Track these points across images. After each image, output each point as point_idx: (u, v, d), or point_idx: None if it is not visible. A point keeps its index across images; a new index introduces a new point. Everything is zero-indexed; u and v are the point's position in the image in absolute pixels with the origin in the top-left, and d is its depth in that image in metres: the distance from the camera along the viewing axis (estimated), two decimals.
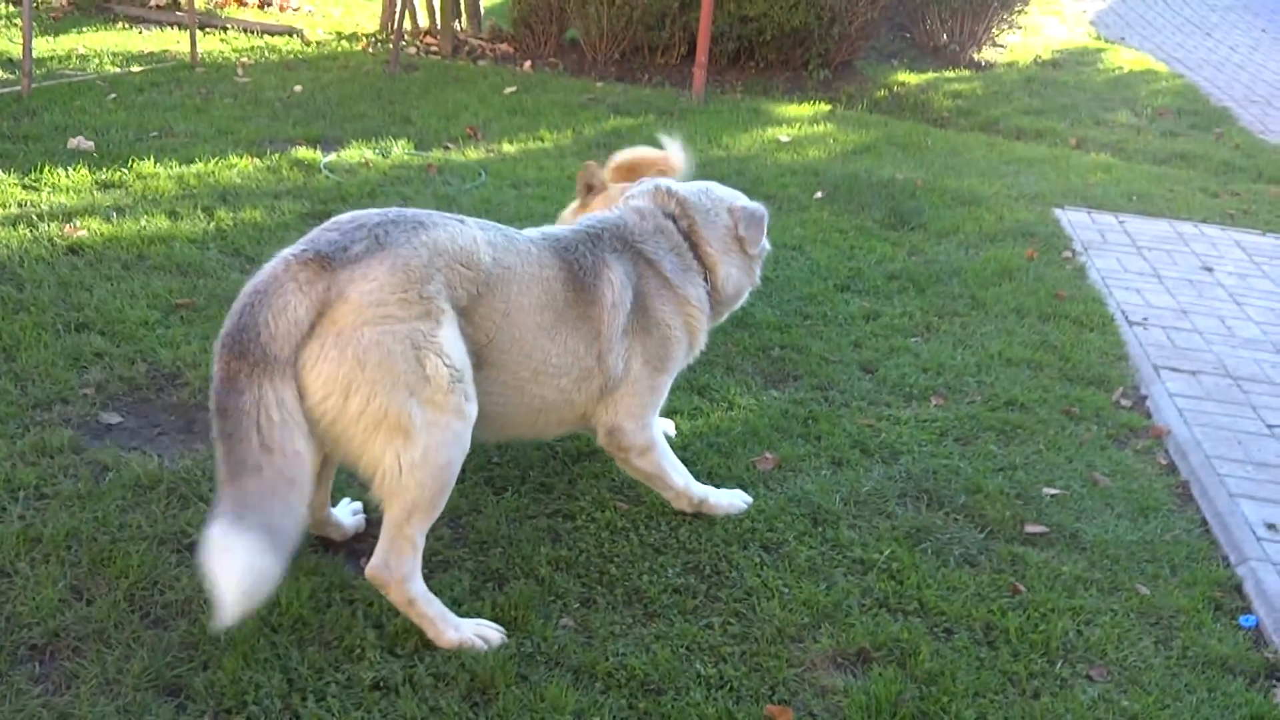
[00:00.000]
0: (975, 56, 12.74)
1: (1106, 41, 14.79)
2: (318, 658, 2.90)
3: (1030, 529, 3.81)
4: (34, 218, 5.39)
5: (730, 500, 3.71)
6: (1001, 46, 13.34)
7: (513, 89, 9.40)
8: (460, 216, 3.10)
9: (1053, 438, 4.44)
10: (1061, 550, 3.73)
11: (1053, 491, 4.05)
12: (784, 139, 8.69)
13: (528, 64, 10.69)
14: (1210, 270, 6.67)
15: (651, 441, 3.49)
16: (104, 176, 6.12)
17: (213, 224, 5.62)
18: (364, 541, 3.39)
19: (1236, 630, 3.42)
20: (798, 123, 9.31)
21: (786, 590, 3.36)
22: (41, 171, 6.02)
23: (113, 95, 7.90)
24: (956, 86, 11.62)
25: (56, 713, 2.65)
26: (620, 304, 3.30)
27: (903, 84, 11.45)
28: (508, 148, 7.71)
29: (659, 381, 3.48)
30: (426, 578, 3.19)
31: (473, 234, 3.04)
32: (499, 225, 3.21)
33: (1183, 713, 3.04)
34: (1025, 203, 7.60)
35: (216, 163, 6.55)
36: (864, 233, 6.58)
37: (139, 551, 3.17)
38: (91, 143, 6.63)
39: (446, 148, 7.56)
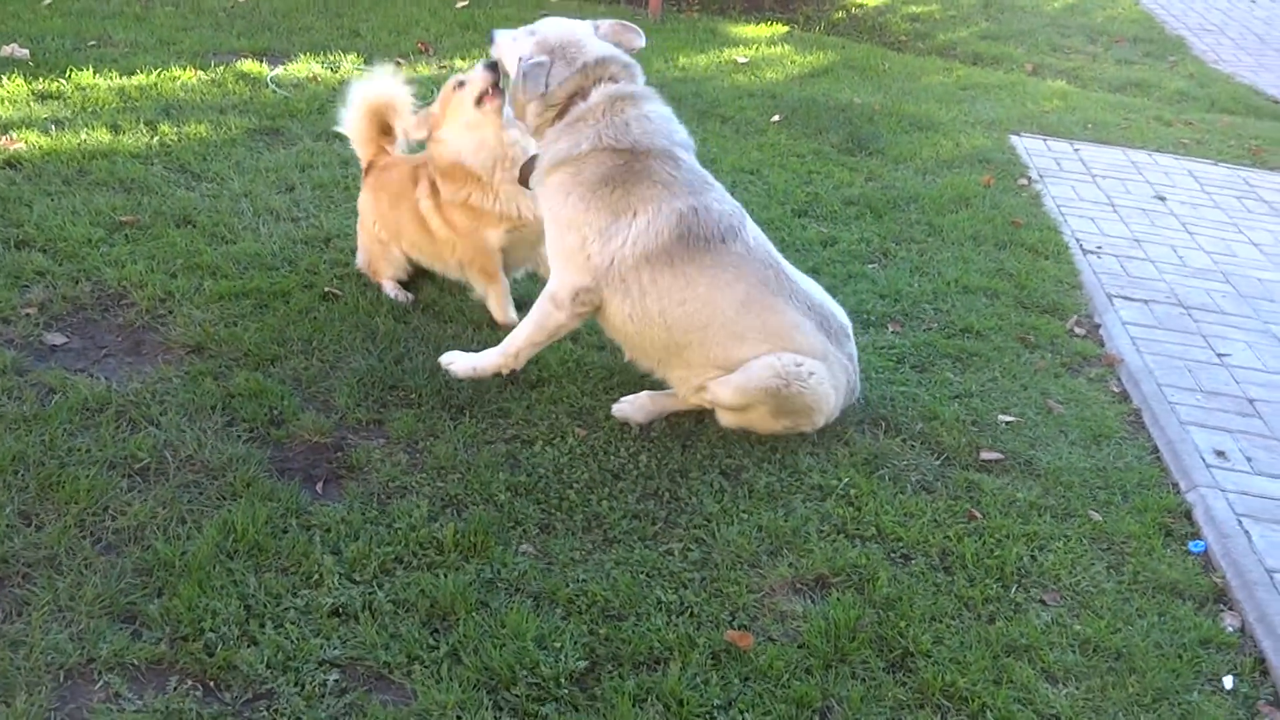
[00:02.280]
0: None
1: None
2: (275, 584, 2.86)
3: (986, 456, 3.85)
4: None
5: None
6: None
7: (465, 3, 9.16)
8: None
9: (1008, 365, 4.46)
10: (1016, 477, 3.76)
11: (1008, 419, 4.08)
12: (741, 60, 8.57)
13: None
14: (1163, 199, 6.71)
15: None
16: (41, 87, 5.89)
17: (156, 139, 5.45)
18: (319, 467, 3.35)
19: (1186, 555, 3.49)
20: (755, 44, 9.18)
21: (746, 516, 3.37)
22: None
23: (47, 1, 7.59)
24: (914, 9, 11.51)
25: (8, 640, 2.60)
26: None
27: (860, 6, 11.32)
28: (461, 64, 7.52)
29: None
30: (384, 502, 3.16)
31: None
32: None
33: (1134, 636, 3.10)
34: (982, 129, 7.57)
35: (159, 74, 6.33)
36: (822, 157, 6.53)
37: (89, 476, 3.11)
38: (26, 51, 6.38)
39: (398, 63, 7.35)
